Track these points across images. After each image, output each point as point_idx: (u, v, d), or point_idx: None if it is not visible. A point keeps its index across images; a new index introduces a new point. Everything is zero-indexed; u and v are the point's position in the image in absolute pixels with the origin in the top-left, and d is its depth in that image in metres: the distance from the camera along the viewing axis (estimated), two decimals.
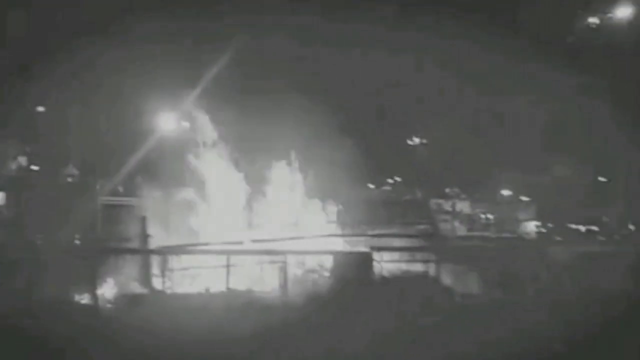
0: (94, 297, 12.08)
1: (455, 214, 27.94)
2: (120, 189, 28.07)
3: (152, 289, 12.17)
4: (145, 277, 12.30)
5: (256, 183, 20.33)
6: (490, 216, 28.74)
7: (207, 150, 20.16)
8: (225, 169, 19.85)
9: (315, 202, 21.15)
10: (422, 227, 19.41)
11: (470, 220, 28.04)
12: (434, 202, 28.63)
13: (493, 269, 15.17)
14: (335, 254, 12.96)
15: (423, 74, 28.06)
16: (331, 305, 10.86)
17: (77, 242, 18.20)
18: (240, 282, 13.02)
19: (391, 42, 26.69)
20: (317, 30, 26.11)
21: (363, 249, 13.98)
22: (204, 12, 25.37)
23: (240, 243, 15.17)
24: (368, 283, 11.88)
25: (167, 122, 25.26)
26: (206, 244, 14.49)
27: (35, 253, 13.12)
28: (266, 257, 12.41)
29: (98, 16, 25.38)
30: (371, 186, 32.37)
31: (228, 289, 12.37)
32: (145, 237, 14.20)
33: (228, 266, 12.20)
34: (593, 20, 23.27)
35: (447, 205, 28.44)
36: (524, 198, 29.30)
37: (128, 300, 11.78)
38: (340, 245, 15.80)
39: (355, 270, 12.16)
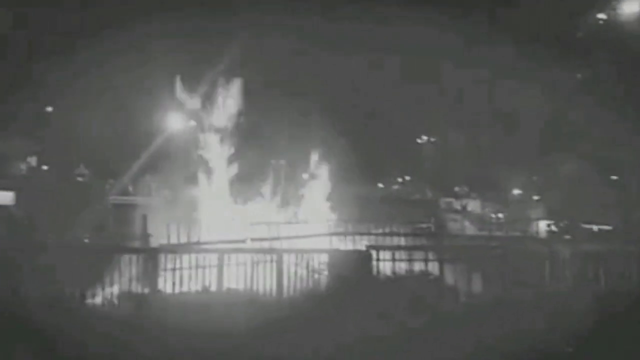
0: (94, 296, 12.11)
1: (465, 213, 27.82)
2: (130, 188, 28.30)
3: (152, 289, 12.19)
4: (144, 277, 12.31)
5: (260, 182, 20.42)
6: (500, 215, 28.55)
7: (213, 148, 20.18)
8: (230, 167, 19.89)
9: (321, 200, 21.20)
10: (424, 225, 19.25)
11: (480, 220, 27.86)
12: (443, 201, 28.55)
13: (498, 269, 15.02)
14: (332, 252, 12.88)
15: (432, 73, 28.00)
16: (325, 304, 10.82)
17: (86, 241, 18.36)
18: (239, 281, 13.03)
19: (399, 42, 26.68)
20: (323, 32, 26.19)
21: (361, 247, 13.88)
22: (210, 12, 25.53)
23: (243, 242, 15.16)
24: (365, 282, 11.76)
25: (176, 121, 25.41)
26: (207, 243, 14.52)
27: (43, 253, 13.13)
28: (263, 256, 12.36)
29: (107, 17, 25.61)
30: (381, 185, 32.43)
31: (226, 288, 12.36)
32: (146, 236, 14.23)
33: (221, 266, 12.16)
34: (601, 16, 23.06)
35: (457, 204, 28.34)
36: (535, 197, 29.06)
37: (127, 299, 11.79)
38: (342, 243, 15.74)
39: (352, 269, 12.05)
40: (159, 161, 24.14)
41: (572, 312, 11.62)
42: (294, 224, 17.19)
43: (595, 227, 26.28)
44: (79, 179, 28.74)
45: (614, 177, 26.20)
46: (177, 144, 23.63)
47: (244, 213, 18.15)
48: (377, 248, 13.54)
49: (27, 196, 24.28)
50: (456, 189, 29.13)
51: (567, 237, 22.49)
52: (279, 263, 11.98)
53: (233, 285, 12.99)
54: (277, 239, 14.84)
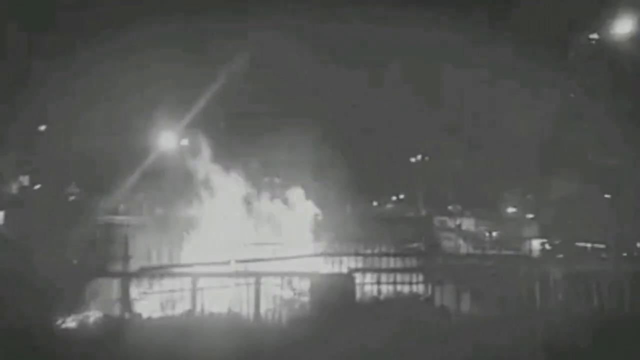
0: (71, 321, 11.95)
1: (459, 232, 27.58)
2: (122, 207, 28.06)
3: (130, 313, 12.01)
4: (123, 301, 12.15)
5: (252, 201, 20.23)
6: (494, 233, 28.27)
7: (205, 167, 20.09)
8: (222, 186, 19.76)
9: (312, 220, 20.97)
10: (415, 244, 18.99)
11: (474, 238, 27.60)
12: (437, 220, 28.30)
13: (489, 288, 14.81)
14: (312, 275, 12.64)
15: (426, 90, 27.95)
16: (304, 330, 10.60)
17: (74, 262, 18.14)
18: (222, 304, 12.85)
19: (398, 50, 26.65)
20: (319, 44, 26.14)
21: (344, 270, 13.61)
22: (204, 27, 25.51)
23: (227, 263, 14.95)
24: (347, 307, 11.52)
25: (169, 139, 25.36)
26: (183, 266, 14.31)
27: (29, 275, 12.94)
28: (242, 280, 12.17)
29: (98, 31, 25.56)
30: (375, 203, 32.25)
31: (205, 311, 12.16)
32: (126, 258, 14.05)
33: (194, 290, 11.97)
34: (593, 36, 23.01)
35: (450, 223, 28.09)
36: (529, 215, 28.82)
37: (104, 324, 11.63)
38: (327, 266, 15.48)
39: (334, 293, 11.81)
40: (151, 179, 24.01)
41: (562, 332, 11.47)
42: (278, 245, 16.94)
43: (589, 245, 26.07)
44: (71, 197, 28.53)
45: (607, 196, 26.02)
46: (169, 162, 23.54)
47: (233, 234, 17.96)
48: (362, 270, 13.32)
49: (16, 216, 24.08)
50: (449, 207, 28.92)
51: (560, 255, 22.22)
52: (257, 286, 11.77)
53: (215, 309, 12.81)
54: (261, 260, 14.59)
